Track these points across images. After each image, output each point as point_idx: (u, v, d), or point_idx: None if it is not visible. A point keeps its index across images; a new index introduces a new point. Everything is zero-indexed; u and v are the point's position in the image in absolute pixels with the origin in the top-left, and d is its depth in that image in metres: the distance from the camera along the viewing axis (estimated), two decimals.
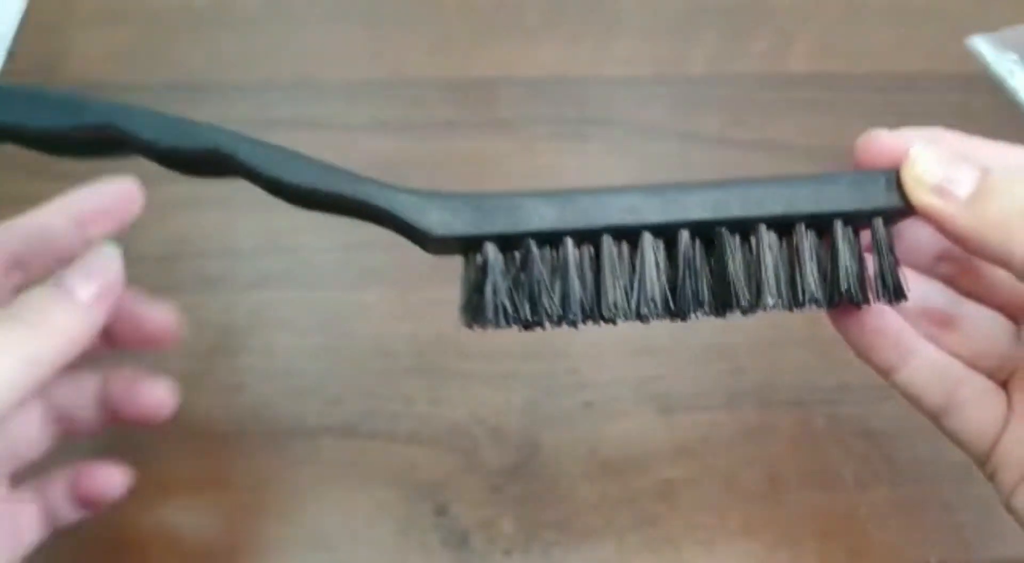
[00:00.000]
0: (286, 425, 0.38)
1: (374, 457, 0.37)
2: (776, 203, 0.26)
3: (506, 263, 0.26)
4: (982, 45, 0.50)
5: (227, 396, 0.38)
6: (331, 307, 0.41)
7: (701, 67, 0.50)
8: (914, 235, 0.28)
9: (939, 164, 0.24)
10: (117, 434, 0.37)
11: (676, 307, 0.26)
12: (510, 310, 0.26)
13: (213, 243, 0.43)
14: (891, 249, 0.26)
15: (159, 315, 0.30)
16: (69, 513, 0.30)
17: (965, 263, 0.28)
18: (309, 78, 0.50)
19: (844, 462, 0.37)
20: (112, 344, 0.30)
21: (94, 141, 0.27)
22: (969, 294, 0.28)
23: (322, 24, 0.52)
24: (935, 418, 0.28)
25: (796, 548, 0.35)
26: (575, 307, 0.26)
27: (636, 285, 0.26)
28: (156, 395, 0.30)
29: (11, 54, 0.50)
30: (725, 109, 0.48)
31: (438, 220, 0.26)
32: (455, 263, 0.42)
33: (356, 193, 0.27)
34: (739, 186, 0.26)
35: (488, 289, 0.26)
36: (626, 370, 0.39)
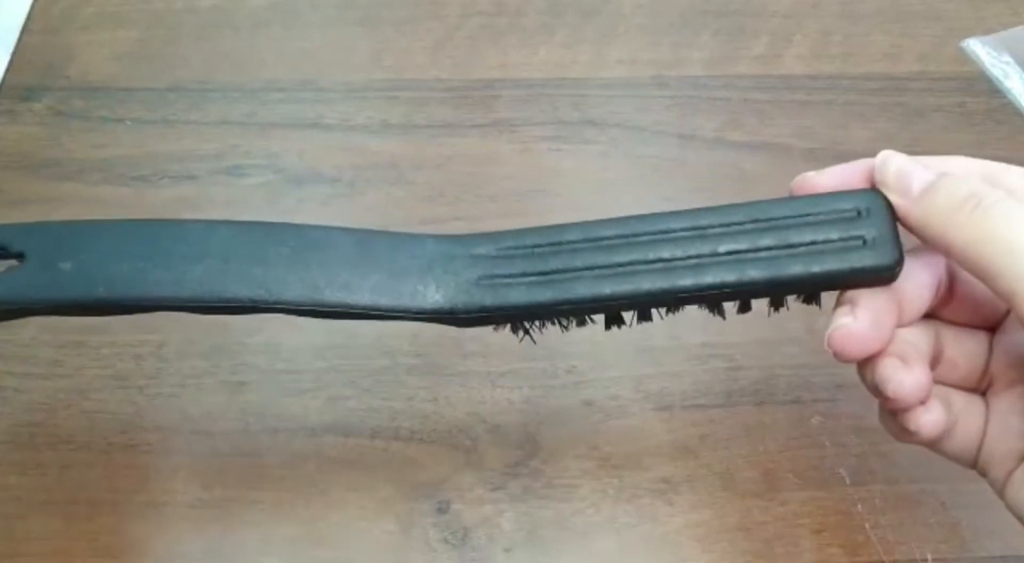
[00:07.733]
0: (288, 423, 0.38)
1: (375, 455, 0.37)
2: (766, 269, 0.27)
3: None
4: (977, 47, 0.51)
5: (230, 394, 0.39)
6: None
7: (699, 69, 0.51)
8: (906, 293, 0.28)
9: (899, 166, 0.28)
10: (118, 434, 0.38)
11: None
12: None
13: None
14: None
15: None
16: None
17: (945, 297, 0.29)
18: (311, 80, 0.50)
19: (840, 459, 0.37)
20: None
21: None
22: (950, 321, 0.29)
23: (324, 27, 0.53)
24: (933, 448, 0.29)
25: (793, 545, 0.35)
26: None
27: None
28: None
29: (15, 56, 0.51)
30: (723, 111, 0.49)
31: None
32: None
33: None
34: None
35: None
36: (625, 369, 0.39)
